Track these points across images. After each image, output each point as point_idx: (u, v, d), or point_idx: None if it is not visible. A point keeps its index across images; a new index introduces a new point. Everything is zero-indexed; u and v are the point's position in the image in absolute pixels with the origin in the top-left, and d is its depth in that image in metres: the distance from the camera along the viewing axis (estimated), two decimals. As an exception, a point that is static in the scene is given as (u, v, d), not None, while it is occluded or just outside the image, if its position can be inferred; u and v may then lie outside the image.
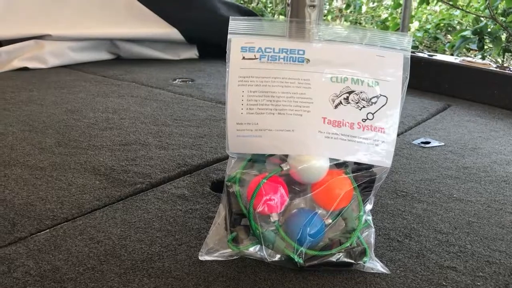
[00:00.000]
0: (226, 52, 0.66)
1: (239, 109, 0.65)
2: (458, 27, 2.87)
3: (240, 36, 0.66)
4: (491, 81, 1.52)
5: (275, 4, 3.46)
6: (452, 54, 2.33)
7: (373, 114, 0.66)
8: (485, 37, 2.14)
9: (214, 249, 0.67)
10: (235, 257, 0.67)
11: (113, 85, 1.52)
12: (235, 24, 0.67)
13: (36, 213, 0.76)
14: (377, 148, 0.66)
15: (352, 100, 0.66)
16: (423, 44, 2.87)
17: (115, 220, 0.76)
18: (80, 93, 1.42)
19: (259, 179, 0.66)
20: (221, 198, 0.69)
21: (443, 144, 1.15)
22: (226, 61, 0.66)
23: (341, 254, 0.64)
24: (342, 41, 0.68)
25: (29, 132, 1.10)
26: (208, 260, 0.66)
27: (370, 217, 0.68)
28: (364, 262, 0.65)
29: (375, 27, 3.12)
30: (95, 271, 0.63)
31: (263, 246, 0.65)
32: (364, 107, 0.66)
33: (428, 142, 1.15)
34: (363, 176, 0.67)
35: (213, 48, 1.86)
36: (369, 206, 0.68)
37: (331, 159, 0.66)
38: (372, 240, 0.67)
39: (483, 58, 2.40)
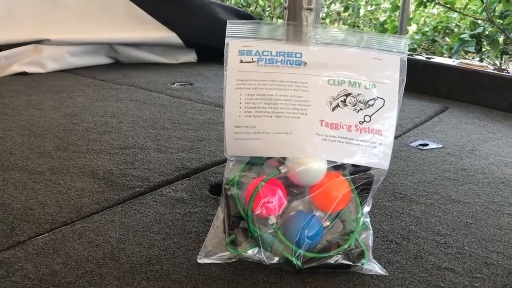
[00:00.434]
0: (224, 55, 0.67)
1: (237, 112, 0.66)
2: (456, 29, 2.88)
3: (237, 39, 0.67)
4: (488, 84, 1.53)
5: (273, 7, 3.47)
6: (450, 57, 2.33)
7: (370, 116, 0.66)
8: (482, 40, 2.14)
9: (213, 252, 0.67)
10: (233, 260, 0.67)
11: (111, 89, 1.53)
12: (233, 27, 0.67)
13: (35, 217, 0.76)
14: (375, 150, 0.66)
15: (349, 103, 0.66)
16: (421, 46, 2.88)
17: (113, 223, 0.76)
18: (78, 97, 1.42)
19: (257, 181, 0.66)
20: (219, 201, 0.70)
21: (441, 146, 1.15)
22: (224, 64, 0.67)
23: (339, 256, 0.65)
24: (339, 44, 0.68)
25: (28, 137, 1.10)
26: (207, 263, 0.66)
27: (368, 219, 0.69)
28: (362, 264, 0.65)
29: (374, 30, 3.13)
30: (93, 275, 0.63)
31: (262, 249, 0.65)
32: (361, 109, 0.66)
33: (426, 144, 1.16)
34: (360, 178, 0.67)
35: (212, 52, 1.87)
36: (367, 208, 0.68)
37: (328, 162, 0.66)
38: (370, 242, 0.67)
39: (481, 60, 2.41)
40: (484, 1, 2.15)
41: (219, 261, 0.66)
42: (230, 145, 0.67)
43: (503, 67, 2.35)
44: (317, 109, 0.65)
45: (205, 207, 0.82)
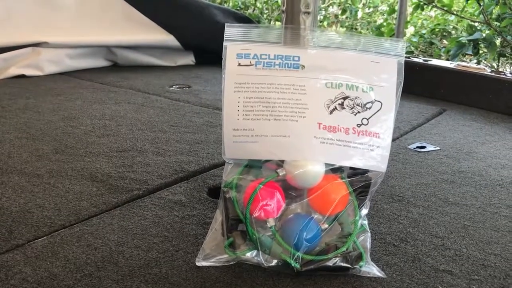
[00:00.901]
0: (222, 58, 0.67)
1: (235, 115, 0.66)
2: (453, 32, 2.89)
3: (235, 43, 0.67)
4: (486, 86, 1.53)
5: (271, 10, 3.48)
6: (447, 59, 2.34)
7: (367, 119, 0.66)
8: (479, 42, 2.15)
9: (211, 255, 0.67)
10: (232, 263, 0.67)
11: (110, 92, 1.53)
12: (231, 31, 0.67)
13: (33, 220, 0.76)
14: (372, 153, 0.66)
15: (347, 106, 0.66)
16: (419, 49, 2.88)
17: (112, 226, 0.76)
18: (77, 100, 1.42)
19: (255, 184, 0.66)
20: (217, 203, 0.70)
21: (438, 148, 1.16)
22: (222, 67, 0.67)
23: (337, 258, 0.65)
24: (337, 47, 0.69)
25: (26, 140, 1.10)
26: (205, 266, 0.67)
27: (366, 222, 0.69)
28: (360, 267, 0.65)
29: (371, 33, 3.14)
30: (92, 278, 0.64)
31: (260, 251, 0.65)
32: (359, 112, 0.66)
33: (424, 147, 1.16)
34: (358, 181, 0.67)
35: (210, 55, 1.87)
36: (365, 211, 0.69)
37: (326, 164, 0.66)
38: (368, 245, 0.68)
39: (478, 63, 2.41)
40: (481, 4, 2.16)
41: (217, 264, 0.67)
42: (229, 148, 0.67)
43: (500, 70, 2.36)
44: (315, 112, 0.66)
45: (203, 210, 0.82)
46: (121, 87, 1.60)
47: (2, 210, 0.79)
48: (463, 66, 1.64)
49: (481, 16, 2.28)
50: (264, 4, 3.50)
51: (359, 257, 0.66)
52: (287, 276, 0.65)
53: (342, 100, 0.66)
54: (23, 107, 1.33)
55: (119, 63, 1.91)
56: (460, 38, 2.22)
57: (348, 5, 3.29)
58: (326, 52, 0.68)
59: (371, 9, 3.54)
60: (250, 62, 0.66)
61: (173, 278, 0.64)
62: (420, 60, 1.73)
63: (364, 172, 0.67)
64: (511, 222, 0.82)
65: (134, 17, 1.90)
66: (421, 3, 2.37)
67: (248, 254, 0.66)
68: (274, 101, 0.66)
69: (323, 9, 3.45)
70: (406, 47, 0.68)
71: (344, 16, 3.41)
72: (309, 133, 0.65)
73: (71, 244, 0.71)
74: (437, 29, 2.90)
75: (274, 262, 0.66)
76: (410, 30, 3.09)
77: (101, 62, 1.88)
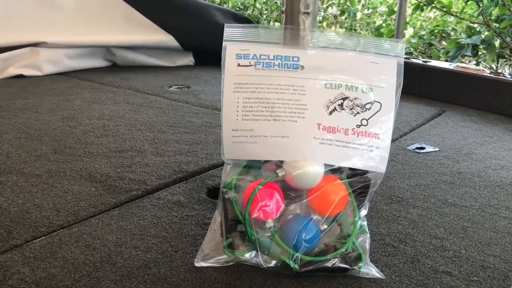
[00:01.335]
0: (221, 59, 0.67)
1: (234, 116, 0.66)
2: (452, 33, 2.89)
3: (235, 43, 0.67)
4: (485, 87, 1.53)
5: (270, 11, 3.48)
6: (446, 61, 2.34)
7: (367, 120, 0.66)
8: (479, 44, 2.15)
9: (210, 256, 0.67)
10: (231, 263, 0.67)
11: (109, 92, 1.53)
12: (230, 31, 0.67)
13: (31, 221, 0.76)
14: (372, 154, 0.66)
15: (347, 107, 0.66)
16: (418, 50, 2.89)
17: (110, 227, 0.76)
18: (76, 100, 1.42)
19: (254, 185, 0.66)
20: (216, 204, 0.70)
21: (437, 149, 1.16)
22: (222, 68, 0.67)
23: (336, 259, 0.65)
24: (336, 47, 0.69)
25: (25, 140, 1.10)
26: (204, 267, 0.66)
27: (365, 223, 0.69)
28: (360, 268, 0.65)
29: (370, 34, 3.14)
30: (90, 278, 0.63)
31: (259, 252, 0.65)
32: (358, 113, 0.66)
33: (423, 148, 1.16)
34: (358, 181, 0.67)
35: (209, 55, 1.87)
36: (364, 212, 0.68)
37: (326, 165, 0.66)
38: (367, 246, 0.68)
39: (477, 64, 2.42)
40: (480, 5, 2.16)
41: (216, 265, 0.66)
42: (228, 149, 0.67)
43: (499, 71, 2.36)
44: (314, 113, 0.66)
45: (202, 210, 0.82)
46: (120, 87, 1.60)
47: (0, 210, 0.79)
48: (462, 67, 1.64)
49: (480, 17, 2.28)
50: (264, 5, 3.51)
51: (358, 258, 0.65)
52: (286, 277, 0.65)
53: (342, 101, 0.66)
54: (22, 107, 1.33)
55: (118, 63, 1.90)
56: (459, 40, 2.22)
57: (347, 6, 3.29)
58: (326, 52, 0.68)
59: (370, 10, 3.55)
60: (250, 63, 0.66)
61: (171, 279, 0.64)
62: (419, 61, 1.73)
63: (363, 173, 0.67)
64: (510, 223, 0.82)
65: (133, 17, 1.89)
66: (421, 4, 2.38)
67: (247, 255, 0.66)
68: (274, 101, 0.66)
69: (322, 10, 3.45)
70: (405, 48, 0.67)
71: (343, 17, 3.42)
72: (309, 134, 0.65)
73: (70, 244, 0.71)
74: (436, 30, 2.90)
75: (273, 263, 0.65)
76: (409, 31, 3.10)
77: (100, 62, 1.87)
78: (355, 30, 3.42)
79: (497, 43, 2.32)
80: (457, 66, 1.66)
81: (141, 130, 1.19)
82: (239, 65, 0.66)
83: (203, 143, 1.12)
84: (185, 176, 0.95)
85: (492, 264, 0.70)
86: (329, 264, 0.65)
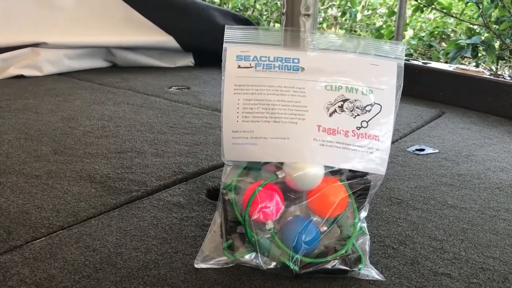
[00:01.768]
0: (221, 60, 0.67)
1: (234, 117, 0.66)
2: (452, 34, 2.90)
3: (235, 45, 0.67)
4: (485, 89, 1.53)
5: (270, 12, 3.48)
6: (446, 62, 2.35)
7: (367, 122, 0.66)
8: (478, 45, 2.16)
9: (210, 257, 0.67)
10: (230, 265, 0.67)
11: (109, 92, 1.53)
12: (231, 32, 0.67)
13: (31, 221, 0.76)
14: (372, 155, 0.66)
15: (347, 108, 0.66)
16: (418, 51, 2.89)
17: (110, 228, 0.76)
18: (76, 100, 1.42)
19: (254, 186, 0.66)
20: (216, 205, 0.70)
21: (437, 151, 1.16)
22: (222, 69, 0.67)
23: (336, 261, 0.65)
24: (337, 49, 0.69)
25: (25, 140, 1.10)
26: (204, 268, 0.66)
27: (365, 224, 0.69)
28: (359, 269, 0.65)
29: (370, 35, 3.14)
30: (90, 279, 0.63)
31: (259, 254, 0.65)
32: (358, 115, 0.66)
33: (423, 149, 1.16)
34: (357, 183, 0.67)
35: (209, 56, 1.87)
36: (364, 213, 0.69)
37: (326, 167, 0.66)
38: (367, 247, 0.68)
39: (477, 66, 2.42)
40: (480, 7, 2.16)
41: (216, 266, 0.66)
42: (228, 150, 0.67)
43: (499, 73, 2.36)
44: (315, 115, 0.66)
45: (202, 211, 0.82)
46: (120, 88, 1.60)
47: (0, 211, 0.79)
48: (462, 69, 1.64)
49: (480, 19, 2.28)
50: (264, 6, 3.51)
51: (358, 260, 0.65)
52: (285, 279, 0.65)
53: (342, 103, 0.66)
54: (21, 108, 1.33)
55: (118, 64, 1.90)
56: (459, 41, 2.22)
57: (347, 7, 3.30)
58: (326, 54, 0.68)
59: (370, 12, 3.55)
60: (250, 64, 0.66)
61: (171, 280, 0.64)
62: (419, 62, 1.74)
63: (363, 174, 0.67)
64: (510, 225, 0.82)
65: (133, 18, 1.90)
66: (421, 6, 2.38)
67: (247, 257, 0.66)
68: (274, 103, 0.66)
69: (323, 11, 3.45)
70: (405, 50, 0.68)
71: (343, 18, 3.42)
72: (309, 136, 0.65)
73: (70, 245, 0.71)
74: (436, 32, 2.90)
75: (273, 264, 0.65)
76: (409, 32, 3.10)
77: (100, 63, 1.88)
78: (355, 31, 3.42)
79: (496, 44, 2.33)
80: (457, 67, 1.66)
81: (141, 131, 1.19)
82: (239, 66, 0.66)
83: (203, 144, 1.12)
84: (185, 177, 0.95)
85: (491, 266, 0.70)
86: (329, 266, 0.65)
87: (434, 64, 1.74)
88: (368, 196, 0.68)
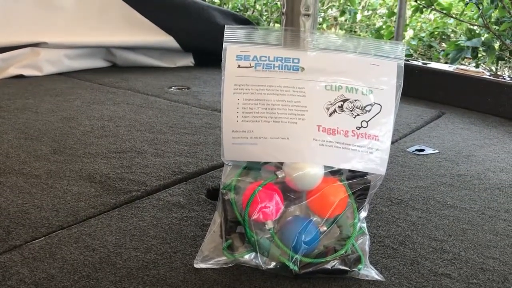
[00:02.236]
0: (221, 60, 0.67)
1: (234, 117, 0.66)
2: (452, 35, 2.90)
3: (235, 44, 0.67)
4: (485, 89, 1.53)
5: (270, 12, 3.48)
6: (446, 63, 2.35)
7: (367, 122, 0.66)
8: (478, 46, 2.16)
9: (209, 257, 0.67)
10: (230, 265, 0.67)
11: (108, 92, 1.53)
12: (231, 32, 0.67)
13: (31, 221, 0.76)
14: (371, 155, 0.66)
15: (347, 108, 0.66)
16: (418, 52, 2.89)
17: (110, 228, 0.76)
18: (75, 100, 1.42)
19: (254, 186, 0.66)
20: (216, 205, 0.70)
21: (437, 151, 1.16)
22: (222, 69, 0.67)
23: (336, 261, 0.65)
24: (337, 49, 0.69)
25: (25, 140, 1.10)
26: (203, 268, 0.66)
27: (364, 224, 0.69)
28: (359, 270, 0.65)
29: (370, 35, 3.15)
30: (90, 279, 0.63)
31: (258, 254, 0.65)
32: (358, 115, 0.66)
33: (423, 150, 1.16)
34: (357, 183, 0.67)
35: (209, 56, 1.87)
36: (363, 214, 0.68)
37: (326, 167, 0.66)
38: (367, 248, 0.68)
39: (477, 66, 2.42)
40: (480, 8, 2.16)
41: (215, 266, 0.66)
42: (228, 150, 0.67)
43: (499, 73, 2.36)
44: (315, 115, 0.66)
45: (202, 211, 0.82)
46: (120, 88, 1.60)
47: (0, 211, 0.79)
48: (462, 69, 1.64)
49: (480, 19, 2.28)
50: (264, 6, 3.51)
51: (358, 260, 0.65)
52: (285, 279, 0.65)
53: (342, 103, 0.66)
54: (21, 107, 1.33)
55: (118, 64, 1.90)
56: (459, 42, 2.23)
57: (347, 7, 3.30)
58: (326, 54, 0.68)
59: (370, 12, 3.55)
60: (250, 64, 0.66)
61: (171, 280, 0.64)
62: (419, 63, 1.74)
63: (363, 174, 0.67)
64: (510, 225, 0.82)
65: (133, 18, 1.89)
66: (420, 6, 2.38)
67: (247, 257, 0.66)
68: (274, 103, 0.66)
69: (322, 11, 3.45)
70: (405, 50, 0.67)
71: (343, 19, 3.42)
72: (309, 135, 0.65)
73: (69, 245, 0.71)
74: (436, 32, 2.91)
75: (273, 264, 0.65)
76: (409, 33, 3.10)
77: (100, 63, 1.87)
78: (355, 31, 3.42)
79: (496, 45, 2.33)
80: (457, 68, 1.66)
81: (140, 131, 1.19)
82: (239, 66, 0.66)
83: (203, 144, 1.12)
84: (185, 177, 0.95)
85: (491, 266, 0.70)
86: (328, 266, 0.65)
87: (434, 65, 1.74)
88: (368, 196, 0.68)
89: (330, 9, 3.54)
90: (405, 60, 0.69)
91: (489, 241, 0.77)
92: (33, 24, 1.80)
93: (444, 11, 2.48)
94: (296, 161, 0.65)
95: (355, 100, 0.66)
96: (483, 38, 2.20)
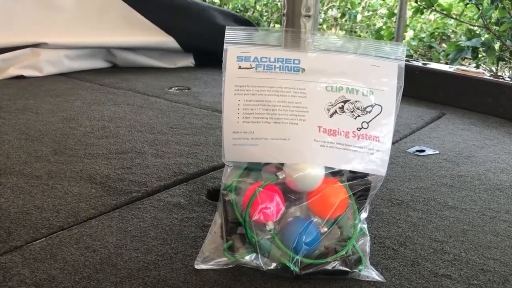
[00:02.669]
0: (222, 60, 0.67)
1: (235, 118, 0.66)
2: (452, 36, 2.90)
3: (236, 45, 0.67)
4: (485, 90, 1.53)
5: (270, 13, 3.48)
6: (446, 63, 2.35)
7: (368, 123, 0.66)
8: (478, 47, 2.16)
9: (210, 258, 0.67)
10: (231, 266, 0.67)
11: (109, 93, 1.53)
12: (231, 33, 0.67)
13: (32, 222, 0.76)
14: (372, 156, 0.66)
15: (347, 109, 0.66)
16: (418, 52, 2.89)
17: (111, 228, 0.76)
18: (76, 101, 1.42)
19: (255, 187, 0.66)
20: (217, 206, 0.70)
21: (437, 152, 1.16)
22: (222, 70, 0.67)
23: (336, 262, 0.65)
24: (337, 50, 0.69)
25: (25, 141, 1.10)
26: (204, 269, 0.66)
27: (365, 225, 0.69)
28: (360, 270, 0.65)
29: (370, 36, 3.15)
30: (91, 280, 0.63)
31: (259, 255, 0.65)
32: (359, 116, 0.66)
33: (423, 151, 1.16)
34: (358, 184, 0.67)
35: (209, 57, 1.87)
36: (364, 214, 0.68)
37: (326, 168, 0.66)
38: (368, 248, 0.68)
39: (477, 67, 2.42)
40: (480, 8, 2.16)
41: (216, 267, 0.66)
42: (228, 151, 0.67)
43: (499, 74, 2.36)
44: (315, 115, 0.66)
45: (202, 212, 0.82)
46: (121, 88, 1.60)
47: (0, 212, 0.79)
48: (462, 70, 1.64)
49: (480, 20, 2.28)
50: (264, 7, 3.51)
51: (358, 261, 0.65)
52: (286, 280, 0.65)
53: (342, 104, 0.66)
54: (22, 108, 1.33)
55: (118, 64, 1.90)
56: (459, 42, 2.23)
57: (347, 8, 3.30)
58: (327, 55, 0.68)
59: (370, 13, 3.55)
60: (251, 65, 0.66)
61: (171, 281, 0.64)
62: (419, 63, 1.74)
63: (363, 175, 0.67)
64: (510, 226, 0.82)
65: (134, 18, 1.89)
66: (421, 7, 2.38)
67: (247, 257, 0.66)
68: (274, 104, 0.66)
69: (323, 12, 3.45)
70: (406, 51, 0.67)
71: (343, 19, 3.42)
72: (309, 136, 0.65)
73: (70, 246, 0.71)
74: (436, 33, 2.90)
75: (273, 265, 0.65)
76: (409, 33, 3.10)
77: (100, 64, 1.88)
78: (355, 32, 3.42)
79: (497, 46, 2.33)
80: (457, 68, 1.66)
81: (141, 132, 1.19)
82: (240, 67, 0.66)
83: (204, 145, 1.12)
84: (185, 178, 0.95)
85: (492, 267, 0.70)
86: (329, 267, 0.65)
87: (434, 65, 1.74)
88: (368, 197, 0.68)
89: (330, 10, 3.54)
90: (406, 60, 0.69)
91: (489, 242, 0.77)
92: (33, 24, 1.80)
93: (444, 12, 2.48)
94: (297, 162, 0.65)
95: (356, 101, 0.66)
96: (483, 39, 2.20)
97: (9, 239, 0.72)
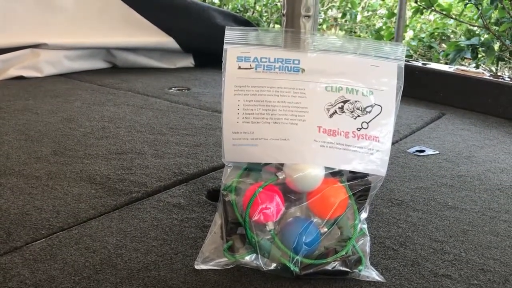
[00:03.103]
0: (222, 61, 0.67)
1: (235, 118, 0.66)
2: (452, 36, 2.90)
3: (236, 46, 0.67)
4: (485, 90, 1.53)
5: (270, 13, 3.48)
6: (446, 63, 2.35)
7: (367, 123, 0.66)
8: (478, 47, 2.16)
9: (210, 258, 0.67)
10: (231, 266, 0.67)
11: (109, 93, 1.53)
12: (231, 34, 0.67)
13: (31, 222, 0.76)
14: (372, 157, 0.66)
15: (347, 109, 0.66)
16: (418, 52, 2.89)
17: (110, 229, 0.76)
18: (76, 101, 1.42)
19: (255, 188, 0.66)
20: (217, 207, 0.70)
21: (437, 152, 1.16)
22: (222, 70, 0.67)
23: (336, 262, 0.65)
24: (337, 51, 0.69)
25: (25, 141, 1.10)
26: (204, 269, 0.66)
27: (365, 226, 0.69)
28: (360, 271, 0.65)
29: (370, 36, 3.15)
30: (90, 281, 0.63)
31: (259, 255, 0.65)
32: (358, 116, 0.66)
33: (423, 151, 1.16)
34: (358, 184, 0.67)
35: (209, 57, 1.87)
36: (364, 215, 0.68)
37: (326, 168, 0.66)
38: (368, 249, 0.68)
39: (477, 67, 2.42)
40: (480, 8, 2.16)
41: (216, 267, 0.66)
42: (228, 151, 0.67)
43: (499, 74, 2.36)
44: (315, 116, 0.66)
45: (202, 213, 0.82)
46: (120, 89, 1.60)
47: (0, 212, 0.79)
48: (462, 70, 1.64)
49: (479, 20, 2.28)
50: (264, 7, 3.51)
51: (358, 261, 0.65)
52: (286, 280, 0.65)
53: (342, 104, 0.66)
54: (21, 109, 1.33)
55: (118, 65, 1.90)
56: (459, 42, 2.23)
57: (347, 8, 3.30)
58: (326, 55, 0.68)
59: (370, 13, 3.55)
60: (250, 65, 0.66)
61: (171, 281, 0.64)
62: (419, 63, 1.74)
63: (363, 176, 0.67)
64: (511, 226, 0.82)
65: (133, 19, 1.90)
66: (420, 7, 2.38)
67: (247, 258, 0.66)
68: (274, 104, 0.66)
69: (323, 12, 3.46)
70: (405, 51, 0.67)
71: (343, 20, 3.42)
72: (309, 137, 0.65)
73: (70, 246, 0.71)
74: (436, 33, 2.90)
75: (273, 265, 0.65)
76: (409, 33, 3.10)
77: (100, 64, 1.88)
78: (355, 32, 3.42)
79: (496, 46, 2.33)
80: (456, 68, 1.66)
81: (141, 132, 1.19)
82: (239, 67, 0.66)
83: (203, 145, 1.12)
84: (185, 178, 0.95)
85: (492, 267, 0.70)
86: (329, 267, 0.65)
87: (434, 65, 1.74)
88: (368, 197, 0.68)
89: (330, 10, 3.54)
90: (405, 61, 0.69)
91: (489, 242, 0.77)
92: (33, 25, 1.80)
93: (444, 12, 2.48)
94: (297, 162, 0.65)
95: (356, 101, 0.66)
96: (482, 38, 2.20)
97: (9, 239, 0.72)
